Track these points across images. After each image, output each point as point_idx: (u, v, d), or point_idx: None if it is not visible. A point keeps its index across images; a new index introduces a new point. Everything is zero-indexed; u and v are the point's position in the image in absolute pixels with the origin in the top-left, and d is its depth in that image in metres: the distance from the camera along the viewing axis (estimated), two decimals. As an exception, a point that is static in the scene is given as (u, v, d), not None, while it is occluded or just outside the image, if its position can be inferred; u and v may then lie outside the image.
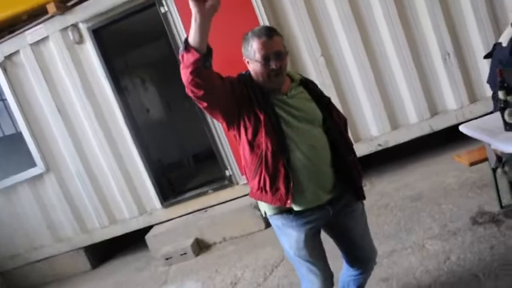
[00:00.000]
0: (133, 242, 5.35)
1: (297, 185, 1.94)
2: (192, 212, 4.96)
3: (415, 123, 4.50)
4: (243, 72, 2.05)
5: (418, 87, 4.42)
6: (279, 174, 1.92)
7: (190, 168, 7.16)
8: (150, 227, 5.09)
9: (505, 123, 2.30)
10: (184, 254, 4.49)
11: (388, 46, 4.39)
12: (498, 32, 4.18)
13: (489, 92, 4.18)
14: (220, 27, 4.32)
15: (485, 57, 3.29)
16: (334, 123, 2.07)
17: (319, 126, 2.02)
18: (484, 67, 4.23)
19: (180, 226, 4.81)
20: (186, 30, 4.49)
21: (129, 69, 6.73)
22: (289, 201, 1.93)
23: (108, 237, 5.27)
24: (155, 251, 4.79)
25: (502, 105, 2.28)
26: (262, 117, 1.91)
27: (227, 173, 4.82)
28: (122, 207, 5.17)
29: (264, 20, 4.33)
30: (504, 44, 2.93)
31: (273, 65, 1.91)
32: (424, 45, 4.38)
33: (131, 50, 6.78)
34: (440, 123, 4.46)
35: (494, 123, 2.47)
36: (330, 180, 2.02)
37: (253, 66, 1.96)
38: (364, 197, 2.13)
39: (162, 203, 5.04)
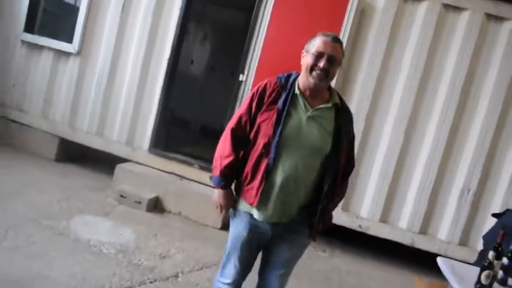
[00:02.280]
0: (104, 162, 5.36)
1: (266, 194, 2.04)
2: (169, 173, 4.97)
3: (402, 229, 4.51)
4: (286, 74, 2.13)
5: (424, 201, 4.44)
6: (257, 176, 2.05)
7: (194, 135, 7.18)
8: (126, 161, 5.11)
9: (479, 281, 2.31)
10: (139, 202, 4.50)
11: (423, 152, 4.45)
12: None
13: (480, 246, 4.21)
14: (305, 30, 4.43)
15: (494, 215, 3.31)
16: (336, 163, 2.06)
17: (319, 158, 2.04)
18: (490, 223, 4.23)
19: (151, 177, 4.83)
20: (272, 19, 4.54)
21: (201, 20, 6.79)
22: (253, 204, 2.06)
23: (85, 144, 5.29)
24: (116, 183, 4.80)
25: (485, 264, 2.29)
26: (272, 116, 2.01)
27: (220, 160, 4.81)
28: (115, 127, 5.19)
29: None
30: None
31: (321, 63, 2.00)
32: (454, 169, 4.41)
33: (215, 5, 6.84)
34: (422, 243, 4.47)
35: (470, 274, 2.48)
36: (296, 208, 2.09)
37: (305, 59, 2.06)
38: (314, 239, 2.17)
39: (149, 148, 5.06)
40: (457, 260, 4.22)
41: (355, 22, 4.40)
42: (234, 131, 2.11)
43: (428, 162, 4.40)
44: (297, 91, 2.05)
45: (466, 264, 2.88)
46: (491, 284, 2.34)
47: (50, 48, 5.36)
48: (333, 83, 4.31)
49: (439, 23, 4.34)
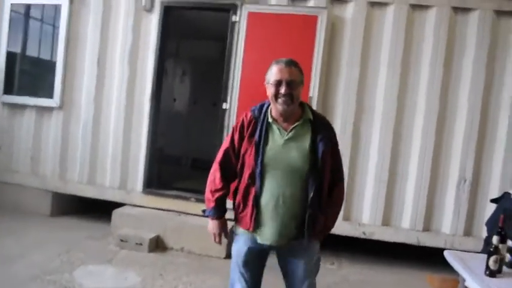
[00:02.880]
0: (100, 210, 5.31)
1: (259, 219, 2.20)
2: (166, 210, 4.94)
3: (405, 229, 4.50)
4: (259, 105, 2.28)
5: (423, 198, 4.45)
6: (248, 203, 2.21)
7: (185, 169, 7.17)
8: (122, 205, 5.07)
9: (487, 267, 2.30)
10: (140, 244, 4.45)
11: (414, 149, 4.48)
12: None
13: (484, 233, 4.21)
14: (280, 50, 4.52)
15: (492, 201, 3.32)
16: (316, 175, 2.15)
17: (301, 175, 2.15)
18: (491, 208, 4.24)
19: (148, 217, 4.80)
20: (247, 44, 4.63)
21: (177, 57, 6.89)
22: (250, 229, 2.21)
23: (80, 194, 5.27)
24: (115, 229, 4.75)
25: (491, 250, 2.29)
26: (252, 148, 2.17)
27: (216, 190, 4.81)
28: (106, 173, 5.19)
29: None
30: None
31: (282, 90, 2.13)
32: (447, 162, 4.44)
33: (188, 40, 6.95)
34: (427, 240, 4.46)
35: (478, 263, 2.48)
36: (291, 226, 2.18)
37: (268, 89, 2.20)
38: (318, 241, 2.30)
39: (143, 188, 5.05)
40: (464, 250, 4.24)
41: (327, 35, 4.49)
42: (221, 164, 2.28)
43: (421, 158, 4.42)
44: (270, 119, 2.20)
45: (473, 253, 2.86)
46: (500, 268, 2.34)
47: (31, 106, 5.41)
48: (314, 97, 4.41)
49: (409, 22, 4.43)
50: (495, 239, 2.30)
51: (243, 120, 2.25)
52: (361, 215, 4.57)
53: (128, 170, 5.12)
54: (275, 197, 2.16)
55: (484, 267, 2.35)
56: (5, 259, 3.91)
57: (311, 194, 2.14)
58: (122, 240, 4.51)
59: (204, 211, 2.36)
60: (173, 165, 6.65)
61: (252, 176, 2.17)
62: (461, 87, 4.40)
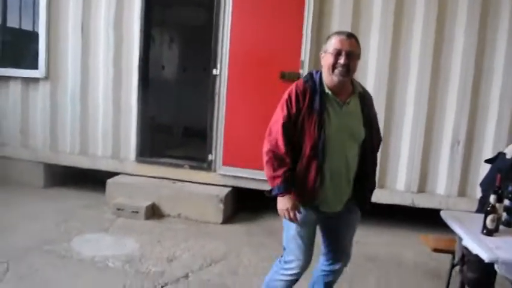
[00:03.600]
0: (93, 180, 5.28)
1: (322, 191, 2.22)
2: (160, 178, 4.92)
3: (400, 191, 4.54)
4: (309, 75, 2.29)
5: (417, 160, 4.47)
6: (310, 176, 2.20)
7: (177, 138, 7.13)
8: (116, 174, 5.05)
9: (485, 226, 2.33)
10: (136, 212, 4.45)
11: (407, 112, 4.45)
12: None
13: (479, 194, 4.24)
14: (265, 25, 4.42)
15: (487, 161, 3.32)
16: (371, 142, 2.31)
17: (358, 144, 2.27)
18: (484, 169, 4.28)
19: (143, 185, 4.79)
20: (235, 9, 4.52)
21: (164, 24, 6.72)
22: (314, 199, 2.24)
23: (72, 165, 5.23)
24: (110, 198, 4.74)
25: (488, 209, 2.30)
26: (313, 119, 2.16)
27: (210, 157, 4.80)
28: (98, 143, 5.14)
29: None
30: (508, 156, 2.97)
31: (341, 60, 2.13)
32: (441, 123, 4.43)
33: (176, 6, 6.76)
34: (422, 202, 4.50)
35: (475, 222, 2.50)
36: (348, 192, 2.31)
37: (325, 59, 2.20)
38: (368, 207, 2.44)
39: (136, 157, 5.02)
40: (458, 211, 4.31)
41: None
42: (284, 127, 2.18)
43: (415, 120, 4.41)
44: (327, 91, 2.20)
45: (468, 213, 2.90)
46: (497, 227, 2.36)
47: (16, 78, 5.28)
48: (306, 61, 4.35)
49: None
50: (492, 198, 2.32)
51: (297, 92, 2.20)
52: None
53: (119, 139, 5.07)
54: (337, 167, 2.22)
55: (480, 226, 2.37)
56: (1, 230, 3.89)
57: (370, 161, 2.30)
58: (118, 209, 4.52)
59: (270, 191, 2.24)
60: (165, 134, 6.58)
61: (314, 147, 2.16)
62: (454, 50, 4.32)
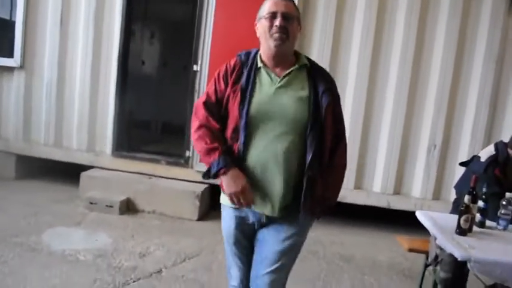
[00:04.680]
0: (66, 173, 5.16)
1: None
2: (137, 173, 4.84)
3: (376, 192, 4.59)
4: (246, 51, 1.96)
5: (394, 163, 4.53)
6: None
7: (155, 133, 7.04)
8: (91, 167, 4.94)
9: (459, 226, 2.35)
10: (110, 206, 4.36)
11: (385, 115, 4.51)
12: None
13: (453, 197, 4.31)
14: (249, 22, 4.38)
15: (461, 164, 3.37)
16: (318, 130, 1.79)
17: (298, 130, 1.79)
18: (459, 172, 4.34)
19: (118, 179, 4.70)
20: (218, 4, 4.50)
21: (146, 18, 6.64)
22: None
23: (46, 157, 5.10)
24: (83, 191, 4.63)
25: (462, 209, 2.33)
26: (237, 96, 1.81)
27: (187, 153, 4.75)
28: (73, 135, 5.03)
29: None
30: (482, 160, 3.02)
31: (277, 22, 1.80)
32: (418, 127, 4.50)
33: (157, 1, 6.68)
34: (398, 204, 4.56)
35: (449, 223, 2.52)
36: (282, 194, 1.80)
37: (261, 27, 1.87)
38: (315, 217, 1.90)
39: (112, 151, 4.93)
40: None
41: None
42: (206, 105, 1.87)
43: (393, 123, 4.47)
44: (259, 64, 1.87)
45: (443, 214, 2.93)
46: (470, 227, 2.39)
47: (-9, 66, 5.11)
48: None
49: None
50: (467, 199, 2.35)
51: (226, 66, 1.90)
52: (333, 178, 4.59)
53: (95, 132, 4.98)
54: (265, 156, 1.79)
55: (454, 226, 2.40)
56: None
57: (310, 153, 1.77)
58: (91, 203, 4.41)
59: (207, 172, 1.81)
60: (143, 129, 6.50)
61: (235, 130, 1.80)
62: (433, 55, 4.41)
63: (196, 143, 1.85)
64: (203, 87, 4.60)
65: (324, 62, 4.42)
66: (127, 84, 5.06)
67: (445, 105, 4.41)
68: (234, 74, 1.87)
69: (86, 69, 4.90)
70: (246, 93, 1.81)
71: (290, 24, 1.83)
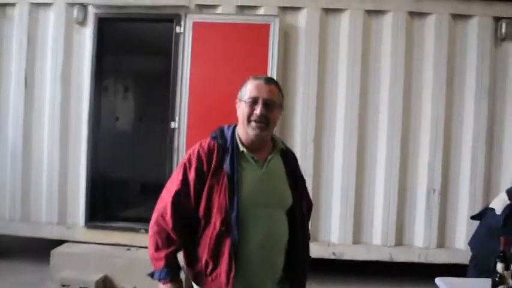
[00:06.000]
0: (36, 249, 4.67)
1: (240, 277, 1.72)
2: (113, 244, 4.41)
3: (377, 245, 4.29)
4: (218, 131, 1.87)
5: (393, 213, 4.27)
6: (222, 259, 1.72)
7: (134, 195, 6.61)
8: (62, 242, 4.48)
9: (494, 300, 2.02)
10: (85, 288, 3.91)
11: (379, 162, 4.30)
12: (487, 189, 4.20)
13: (458, 244, 4.27)
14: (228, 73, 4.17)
15: (474, 218, 3.09)
16: (301, 208, 1.89)
17: (284, 212, 1.83)
18: (461, 217, 4.20)
19: (93, 254, 4.26)
20: (194, 57, 4.28)
21: (118, 73, 6.40)
22: None
23: (12, 234, 4.62)
24: (55, 271, 4.15)
25: (496, 279, 2.01)
26: (223, 184, 1.72)
27: (167, 218, 4.36)
28: (41, 208, 4.61)
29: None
30: (498, 212, 2.75)
31: (257, 110, 1.75)
32: (414, 172, 4.29)
33: (129, 54, 6.45)
34: (401, 255, 4.27)
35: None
36: (278, 273, 1.83)
37: (240, 108, 1.82)
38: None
39: (86, 222, 4.51)
40: (439, 264, 4.09)
41: (281, 46, 4.22)
42: (174, 206, 1.76)
43: (388, 171, 4.25)
44: (241, 148, 1.80)
45: (466, 279, 2.61)
46: (508, 298, 2.06)
47: None
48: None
49: (366, 29, 4.27)
50: (500, 267, 2.03)
51: (199, 152, 1.79)
52: (330, 234, 4.31)
53: (66, 202, 4.57)
54: (260, 246, 1.73)
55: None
56: None
57: (301, 234, 1.85)
58: (63, 286, 3.95)
59: (151, 274, 1.82)
60: (119, 192, 6.07)
61: (225, 222, 1.70)
62: (423, 92, 4.26)
63: (149, 240, 1.81)
64: (182, 145, 4.31)
65: (310, 108, 4.23)
66: (99, 144, 4.71)
67: (441, 145, 4.23)
68: (213, 160, 1.76)
69: (53, 132, 4.55)
70: (233, 180, 1.72)
71: (271, 111, 1.79)
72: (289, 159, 1.93)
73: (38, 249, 4.62)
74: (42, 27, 4.55)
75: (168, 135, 4.42)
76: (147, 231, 4.27)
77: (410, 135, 4.25)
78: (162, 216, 1.76)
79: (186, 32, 4.28)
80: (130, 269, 4.10)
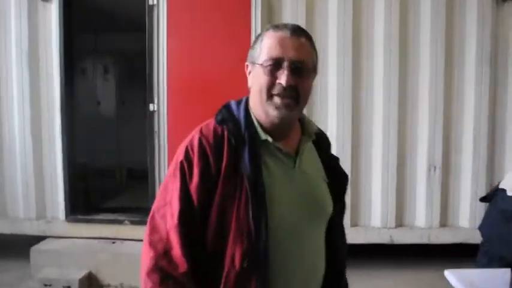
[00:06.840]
0: (16, 247, 4.42)
1: None
2: (98, 238, 4.16)
3: (376, 228, 4.05)
4: (225, 111, 1.25)
5: (391, 191, 4.01)
6: None
7: (121, 182, 6.34)
8: (43, 238, 4.23)
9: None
10: (68, 287, 3.66)
11: (376, 138, 4.01)
12: (491, 164, 3.97)
13: (461, 222, 4.02)
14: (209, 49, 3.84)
15: (482, 200, 2.85)
16: (340, 217, 1.40)
17: (324, 222, 1.30)
18: (465, 193, 3.97)
19: (77, 250, 4.01)
20: (170, 32, 3.95)
21: (96, 53, 6.05)
22: None
23: (-11, 231, 4.35)
24: (36, 270, 3.91)
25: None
26: (242, 195, 1.14)
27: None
28: (18, 202, 4.32)
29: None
30: (509, 193, 2.50)
31: (282, 79, 1.15)
32: (413, 148, 4.02)
33: (105, 33, 6.07)
34: (402, 237, 4.04)
35: (489, 281, 2.01)
36: None
37: (255, 76, 1.21)
38: None
39: (67, 216, 4.23)
40: (442, 244, 3.88)
41: (264, 15, 3.87)
42: (183, 236, 1.16)
43: (385, 148, 3.97)
44: (263, 136, 1.21)
45: (477, 271, 2.39)
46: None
47: None
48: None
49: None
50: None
51: (200, 143, 1.19)
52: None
53: (44, 195, 4.29)
54: (297, 279, 1.22)
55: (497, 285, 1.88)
56: None
57: (340, 248, 1.35)
58: (45, 285, 3.71)
59: None
60: (104, 180, 5.80)
61: (248, 254, 1.13)
62: (421, 57, 3.95)
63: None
64: (163, 130, 4.02)
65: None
66: (77, 131, 4.41)
67: (440, 119, 3.94)
68: (224, 156, 1.16)
69: (24, 121, 4.22)
70: (257, 187, 1.14)
71: (302, 80, 1.19)
72: (323, 144, 1.38)
73: (18, 247, 4.36)
74: (2, 4, 4.16)
75: (147, 119, 4.12)
76: (132, 222, 4.10)
77: (408, 109, 3.98)
78: (165, 256, 1.15)
79: (160, 3, 3.95)
80: (116, 264, 3.87)
